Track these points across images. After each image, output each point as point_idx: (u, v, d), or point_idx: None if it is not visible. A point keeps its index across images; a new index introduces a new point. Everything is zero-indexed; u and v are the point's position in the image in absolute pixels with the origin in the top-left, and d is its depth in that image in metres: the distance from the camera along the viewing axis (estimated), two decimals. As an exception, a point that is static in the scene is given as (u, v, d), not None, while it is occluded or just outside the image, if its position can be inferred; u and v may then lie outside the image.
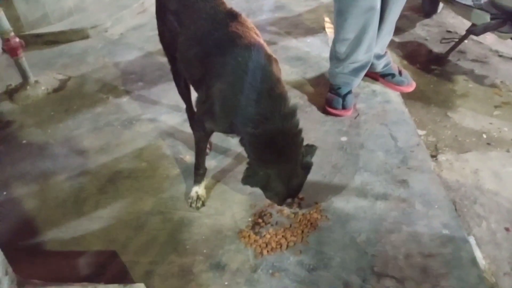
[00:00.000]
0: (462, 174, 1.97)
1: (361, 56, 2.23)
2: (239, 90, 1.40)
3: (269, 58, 1.48)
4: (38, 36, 3.60)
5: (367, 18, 2.07)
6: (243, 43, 1.47)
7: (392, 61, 2.50)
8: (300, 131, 1.43)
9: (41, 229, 1.78)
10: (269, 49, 1.53)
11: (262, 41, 1.55)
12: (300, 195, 1.67)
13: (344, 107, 2.25)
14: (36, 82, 2.85)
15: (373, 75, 2.53)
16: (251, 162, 1.45)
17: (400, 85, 2.47)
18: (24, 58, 2.78)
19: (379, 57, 2.41)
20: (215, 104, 1.48)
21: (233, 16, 1.61)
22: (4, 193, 2.02)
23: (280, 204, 1.51)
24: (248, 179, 1.43)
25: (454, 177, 1.95)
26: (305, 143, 1.45)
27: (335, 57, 2.29)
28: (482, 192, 1.87)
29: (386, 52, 2.46)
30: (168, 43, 1.87)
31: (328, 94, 2.34)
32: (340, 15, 2.12)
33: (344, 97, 2.27)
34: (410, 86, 2.49)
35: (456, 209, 1.69)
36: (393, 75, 2.47)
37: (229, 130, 1.55)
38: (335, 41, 2.24)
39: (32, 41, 3.50)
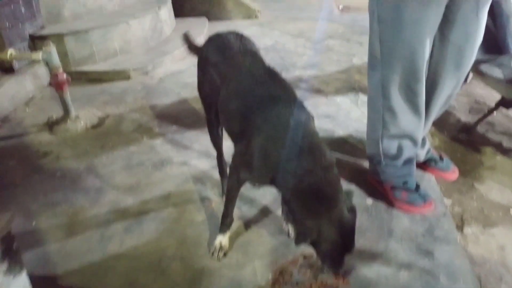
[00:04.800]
0: (488, 249, 1.93)
1: (417, 150, 2.12)
2: (281, 145, 1.48)
3: (307, 114, 1.58)
4: (83, 73, 3.82)
5: (419, 113, 1.98)
6: (283, 101, 1.57)
7: (430, 145, 2.37)
8: (339, 179, 1.49)
9: (65, 262, 1.82)
10: (305, 105, 1.62)
11: (298, 98, 1.65)
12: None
13: (425, 200, 2.01)
14: (77, 117, 3.00)
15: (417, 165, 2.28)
16: (298, 218, 1.47)
17: (445, 172, 2.31)
18: (68, 93, 2.94)
19: (422, 144, 2.22)
20: (255, 157, 1.56)
21: (272, 73, 1.72)
22: (34, 222, 2.09)
23: (338, 265, 1.50)
24: (299, 236, 1.44)
25: (479, 252, 1.91)
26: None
27: (384, 154, 2.08)
28: (508, 270, 1.82)
29: (424, 137, 2.27)
30: (206, 94, 1.98)
31: (395, 193, 2.05)
32: (389, 112, 1.97)
33: (417, 190, 2.04)
34: (454, 172, 2.33)
35: (481, 286, 1.65)
36: (435, 161, 2.31)
37: (267, 183, 1.61)
38: (382, 138, 2.05)
39: (77, 77, 3.70)
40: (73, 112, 2.99)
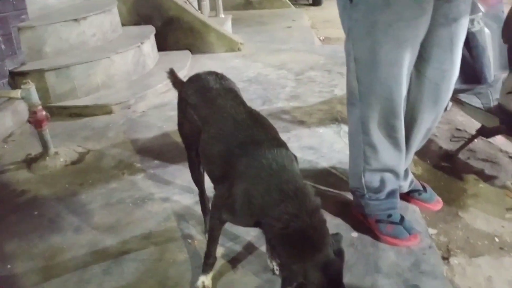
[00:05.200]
0: (475, 281, 1.91)
1: (400, 183, 2.12)
2: (265, 191, 1.46)
3: (290, 157, 1.57)
4: (64, 108, 3.77)
5: (400, 147, 1.98)
6: (266, 145, 1.56)
7: (413, 177, 2.35)
8: (325, 221, 1.47)
9: (40, 309, 1.74)
10: (288, 148, 1.61)
11: (282, 140, 1.64)
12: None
13: (410, 233, 1.99)
14: (56, 153, 2.94)
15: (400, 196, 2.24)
16: (284, 262, 1.45)
17: (429, 203, 2.31)
18: (47, 129, 2.89)
19: (404, 176, 2.19)
20: (238, 203, 1.54)
21: (253, 117, 1.72)
22: (9, 266, 2.00)
23: None
24: (285, 281, 1.41)
25: (466, 284, 1.89)
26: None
27: (367, 187, 2.06)
28: (497, 303, 1.80)
29: (407, 168, 2.24)
30: (186, 134, 1.98)
31: (379, 226, 2.03)
32: (370, 147, 1.97)
33: (402, 222, 2.03)
34: (438, 202, 2.32)
35: (470, 321, 1.62)
36: (419, 192, 2.30)
37: (251, 226, 1.60)
38: (363, 172, 2.03)
39: (57, 112, 3.66)
40: (52, 149, 2.93)
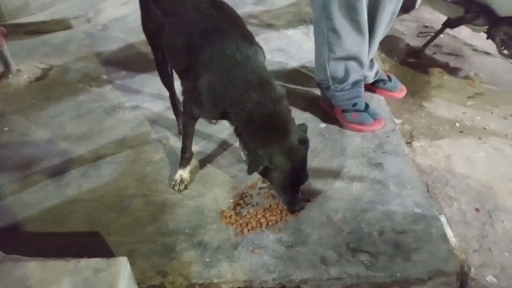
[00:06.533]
0: (435, 159, 2.05)
1: (364, 71, 2.15)
2: (229, 81, 1.47)
3: (255, 47, 1.55)
4: (19, 25, 3.57)
5: (363, 32, 1.98)
6: (229, 35, 1.52)
7: (379, 67, 2.41)
8: (290, 111, 1.52)
9: (22, 211, 1.79)
10: (254, 38, 1.59)
11: (247, 30, 1.60)
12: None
13: (374, 118, 2.07)
14: (18, 70, 2.84)
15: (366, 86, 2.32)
16: (250, 148, 1.50)
17: (393, 91, 2.38)
18: (6, 46, 2.76)
19: (370, 66, 2.26)
20: (204, 94, 1.54)
21: (216, 4, 1.66)
22: (-15, 178, 2.02)
23: (293, 202, 1.56)
24: (252, 165, 1.47)
25: (427, 162, 2.03)
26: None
27: (332, 78, 2.10)
28: (454, 176, 1.95)
29: (372, 59, 2.30)
30: (151, 32, 1.90)
31: (345, 115, 2.09)
32: (333, 33, 1.97)
33: (366, 109, 2.10)
34: (402, 90, 2.40)
35: (428, 191, 1.77)
36: (384, 81, 2.37)
37: (219, 118, 1.62)
38: (328, 61, 2.06)
39: (13, 31, 3.44)
40: (13, 66, 2.82)
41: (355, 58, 2.05)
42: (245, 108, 1.45)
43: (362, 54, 2.05)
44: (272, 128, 1.46)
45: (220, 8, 1.66)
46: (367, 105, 2.12)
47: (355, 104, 2.10)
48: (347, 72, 2.09)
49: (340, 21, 1.92)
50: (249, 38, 1.57)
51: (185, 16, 1.63)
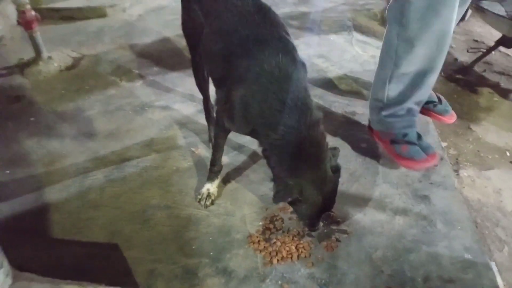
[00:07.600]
0: (484, 193, 1.88)
1: (425, 95, 1.84)
2: (264, 99, 1.34)
3: (296, 65, 1.40)
4: (55, 10, 3.52)
5: (439, 45, 1.68)
6: (270, 47, 1.38)
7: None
8: (325, 136, 1.38)
9: (43, 213, 1.71)
10: (297, 53, 1.45)
11: (291, 44, 1.46)
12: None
13: (428, 153, 1.75)
14: (49, 58, 2.77)
15: None
16: (279, 175, 1.39)
17: (443, 115, 2.06)
18: (39, 32, 2.69)
19: None
20: (236, 109, 1.42)
21: (261, 10, 1.52)
22: (7, 172, 1.95)
23: (314, 225, 1.45)
24: (279, 194, 1.35)
25: (475, 196, 1.86)
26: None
27: (388, 98, 1.83)
28: (504, 215, 1.78)
29: None
30: (190, 33, 1.79)
31: (394, 147, 1.82)
32: (405, 43, 1.68)
33: (419, 141, 1.82)
34: (453, 116, 2.08)
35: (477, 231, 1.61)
36: (434, 103, 2.06)
37: (249, 135, 1.51)
38: (390, 77, 1.78)
39: (48, 15, 3.41)
40: (45, 53, 2.76)
41: (423, 76, 1.76)
42: (277, 130, 1.33)
43: (431, 71, 1.75)
44: (304, 156, 1.33)
45: (265, 15, 1.51)
46: (419, 136, 1.84)
47: (405, 135, 1.82)
48: (407, 93, 1.80)
49: (417, 29, 1.63)
50: (291, 53, 1.42)
51: (226, 20, 1.50)
